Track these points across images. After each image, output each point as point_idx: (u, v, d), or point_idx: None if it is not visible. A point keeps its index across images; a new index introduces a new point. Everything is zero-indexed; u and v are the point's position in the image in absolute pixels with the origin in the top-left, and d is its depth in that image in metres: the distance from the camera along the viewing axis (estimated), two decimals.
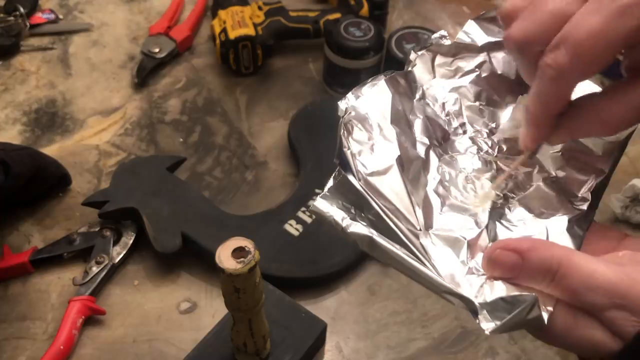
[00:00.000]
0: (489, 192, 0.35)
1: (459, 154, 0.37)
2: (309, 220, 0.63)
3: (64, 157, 0.69)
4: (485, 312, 0.29)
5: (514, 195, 0.35)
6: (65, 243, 0.62)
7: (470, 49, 0.38)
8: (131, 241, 0.62)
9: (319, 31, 0.80)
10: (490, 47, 0.38)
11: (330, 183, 0.34)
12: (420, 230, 0.32)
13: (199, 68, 0.82)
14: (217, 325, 0.54)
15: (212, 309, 0.59)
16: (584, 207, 0.33)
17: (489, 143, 0.37)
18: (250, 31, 0.77)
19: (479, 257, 0.32)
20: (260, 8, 0.81)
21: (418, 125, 0.36)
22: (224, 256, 0.40)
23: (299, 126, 0.71)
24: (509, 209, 0.35)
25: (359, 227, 0.32)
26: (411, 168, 0.34)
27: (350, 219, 0.32)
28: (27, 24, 0.84)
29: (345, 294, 0.61)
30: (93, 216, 0.63)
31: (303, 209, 0.63)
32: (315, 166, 0.67)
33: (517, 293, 0.29)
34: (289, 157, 0.72)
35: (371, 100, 0.35)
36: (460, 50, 0.38)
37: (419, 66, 0.38)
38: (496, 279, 0.30)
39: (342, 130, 0.35)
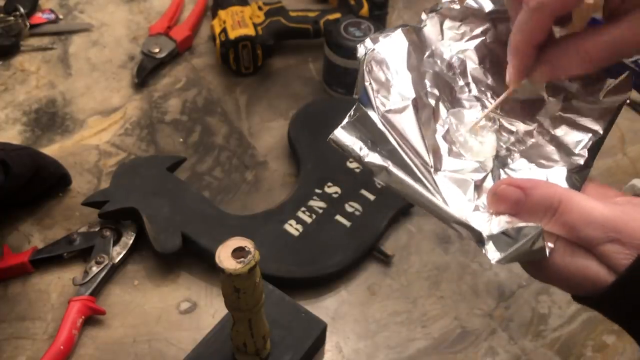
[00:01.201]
0: (477, 125, 0.38)
1: (464, 108, 0.39)
2: (309, 220, 0.63)
3: (64, 157, 0.69)
4: (491, 243, 0.31)
5: (516, 149, 0.37)
6: (65, 243, 0.62)
7: (477, 15, 0.40)
8: (131, 241, 0.62)
9: (319, 31, 0.81)
10: (496, 15, 0.40)
11: (348, 118, 0.36)
12: (431, 167, 0.34)
13: (199, 68, 0.82)
14: (217, 325, 0.54)
15: (212, 309, 0.59)
16: (581, 162, 0.36)
17: (493, 102, 0.39)
18: (250, 31, 0.77)
19: (485, 197, 0.34)
20: (260, 8, 0.81)
21: (428, 77, 0.38)
22: (224, 256, 0.40)
23: (299, 126, 0.71)
24: (511, 159, 0.37)
25: (375, 158, 0.34)
26: (423, 114, 0.36)
27: (368, 149, 0.34)
28: (27, 24, 0.84)
29: (345, 294, 0.61)
30: (93, 216, 0.63)
31: (303, 209, 0.63)
32: (315, 166, 0.67)
33: (523, 224, 0.31)
34: (289, 157, 0.72)
35: (389, 46, 0.37)
36: (468, 15, 0.40)
37: (429, 27, 0.40)
38: (500, 214, 0.32)
39: (365, 66, 0.36)
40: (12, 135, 0.73)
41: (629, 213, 0.31)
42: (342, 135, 0.35)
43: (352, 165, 0.68)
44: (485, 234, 0.32)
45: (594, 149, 0.37)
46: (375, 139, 0.35)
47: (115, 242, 0.62)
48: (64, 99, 0.77)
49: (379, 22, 0.79)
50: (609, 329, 0.59)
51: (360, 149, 0.35)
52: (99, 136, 0.73)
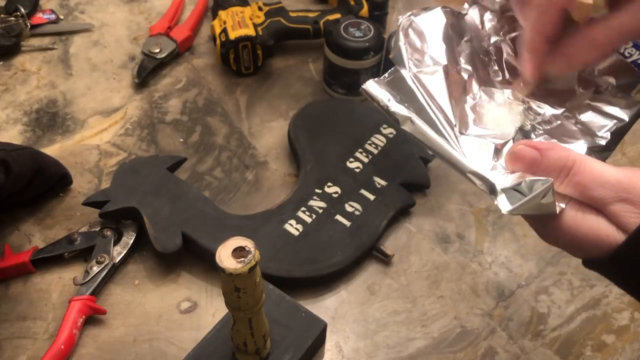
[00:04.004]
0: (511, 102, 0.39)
1: (495, 88, 0.40)
2: (309, 220, 0.63)
3: (64, 157, 0.69)
4: (503, 195, 0.33)
5: (541, 128, 0.39)
6: (66, 243, 0.62)
7: (508, 16, 0.42)
8: (132, 241, 0.62)
9: (319, 31, 0.81)
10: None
11: (380, 77, 0.38)
12: (455, 126, 0.36)
13: (200, 68, 0.82)
14: (218, 324, 0.54)
15: (212, 309, 0.59)
16: (603, 142, 0.37)
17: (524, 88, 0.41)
18: (250, 31, 0.77)
19: (503, 160, 0.35)
20: (260, 8, 0.82)
21: (463, 56, 0.40)
22: (224, 256, 0.41)
23: (299, 126, 0.71)
24: (535, 135, 0.39)
25: (401, 109, 0.36)
26: (453, 83, 0.38)
27: (396, 102, 0.36)
28: (28, 24, 0.84)
29: (345, 294, 0.61)
30: (94, 216, 0.63)
31: (303, 208, 0.64)
32: (315, 166, 0.67)
33: (534, 178, 0.32)
34: (289, 157, 0.72)
35: (428, 20, 0.40)
36: (508, 9, 0.42)
37: (470, 16, 0.42)
38: (516, 172, 0.34)
39: (402, 30, 0.39)
40: (13, 135, 0.73)
41: (639, 175, 0.32)
42: (373, 86, 0.36)
43: (352, 165, 0.68)
44: (498, 186, 0.33)
45: (618, 133, 0.37)
46: (404, 97, 0.36)
47: (116, 242, 0.62)
48: (65, 99, 0.78)
49: (379, 22, 0.79)
50: (609, 328, 0.59)
51: (389, 100, 0.36)
52: (100, 136, 0.73)
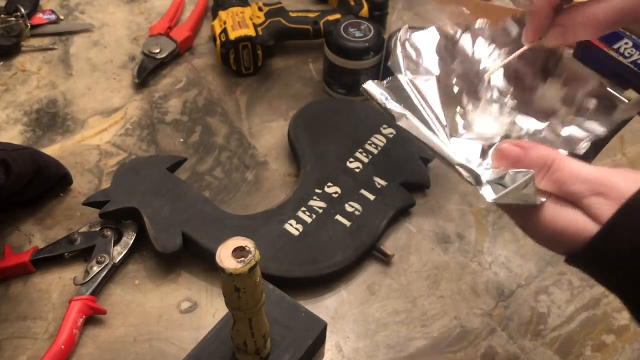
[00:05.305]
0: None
1: (484, 102, 0.43)
2: (309, 220, 0.63)
3: (64, 157, 0.69)
4: (488, 185, 0.36)
5: (527, 138, 0.41)
6: (66, 243, 0.62)
7: (506, 37, 0.45)
8: (132, 241, 0.62)
9: (319, 32, 0.81)
10: (519, 41, 0.44)
11: (379, 81, 0.41)
12: (446, 127, 0.39)
13: (200, 68, 0.82)
14: (218, 324, 0.54)
15: (212, 309, 0.59)
16: (581, 152, 0.39)
17: (512, 105, 0.44)
18: (250, 32, 0.77)
19: (489, 159, 0.38)
20: (260, 9, 0.82)
21: (456, 74, 0.43)
22: (225, 256, 0.41)
23: (299, 126, 0.71)
24: None
25: (396, 107, 0.39)
26: (445, 92, 0.41)
27: (392, 100, 0.39)
28: (28, 24, 0.84)
29: (345, 294, 0.61)
30: (94, 216, 0.63)
31: (303, 208, 0.64)
32: (315, 166, 0.68)
33: (516, 170, 0.35)
34: (289, 157, 0.72)
35: (423, 37, 0.44)
36: (498, 37, 0.45)
37: (463, 41, 0.45)
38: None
39: (399, 42, 0.42)
40: (13, 135, 0.73)
41: (615, 173, 0.35)
42: (372, 86, 0.40)
43: (352, 165, 0.68)
44: (483, 177, 0.36)
45: (597, 145, 0.40)
46: (400, 98, 0.39)
47: (116, 242, 0.62)
48: (65, 99, 0.78)
49: (379, 22, 0.79)
50: (608, 328, 0.59)
51: (386, 98, 0.39)
52: (100, 136, 0.73)
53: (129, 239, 0.62)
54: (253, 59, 0.79)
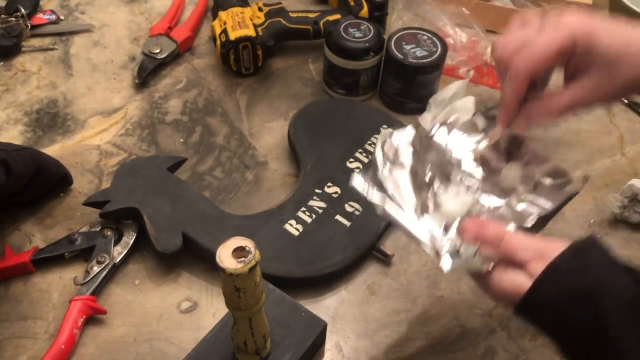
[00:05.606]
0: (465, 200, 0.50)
1: (453, 186, 0.50)
2: (309, 220, 0.63)
3: (65, 157, 0.69)
4: (446, 255, 0.43)
5: (486, 214, 0.49)
6: (67, 243, 0.62)
7: (474, 129, 0.53)
8: (132, 241, 0.62)
9: (319, 32, 0.81)
10: (488, 129, 0.53)
11: (364, 175, 0.49)
12: (417, 210, 0.47)
13: (200, 69, 0.82)
14: (218, 324, 0.54)
15: (212, 309, 0.59)
16: (529, 225, 0.47)
17: (477, 185, 0.51)
18: (250, 32, 0.77)
19: (450, 234, 0.46)
20: (260, 9, 0.82)
21: (430, 162, 0.51)
22: (225, 256, 0.41)
23: (299, 126, 0.71)
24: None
25: (376, 197, 0.47)
26: (418, 179, 0.49)
27: (373, 191, 0.47)
28: (28, 24, 0.84)
29: (345, 294, 0.61)
30: (94, 216, 0.63)
31: (303, 209, 0.64)
32: (315, 166, 0.68)
33: (467, 245, 0.43)
34: (289, 157, 0.72)
35: (401, 136, 0.52)
36: (468, 129, 0.53)
37: (438, 135, 0.53)
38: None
39: (380, 141, 0.50)
40: (14, 135, 0.73)
41: (555, 242, 0.41)
42: (357, 180, 0.48)
43: (352, 165, 0.68)
44: (442, 251, 0.44)
45: (544, 218, 0.48)
46: (379, 188, 0.48)
47: (116, 242, 0.62)
48: (65, 99, 0.78)
49: (379, 23, 0.79)
50: None
51: (367, 190, 0.48)
52: (100, 136, 0.74)
53: (129, 239, 0.62)
54: (253, 59, 0.79)
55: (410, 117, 0.77)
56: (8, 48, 0.82)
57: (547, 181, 0.50)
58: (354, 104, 0.76)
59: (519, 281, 0.40)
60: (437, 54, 0.74)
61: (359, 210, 0.64)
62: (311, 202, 0.64)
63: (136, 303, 0.60)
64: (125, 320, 0.58)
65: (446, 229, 0.46)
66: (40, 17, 0.86)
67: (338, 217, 0.63)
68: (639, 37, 0.44)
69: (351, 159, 0.68)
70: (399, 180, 0.47)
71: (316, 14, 0.82)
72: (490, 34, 0.85)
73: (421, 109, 0.77)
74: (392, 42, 0.74)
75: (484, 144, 0.52)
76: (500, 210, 0.48)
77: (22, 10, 0.84)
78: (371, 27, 0.75)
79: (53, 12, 0.87)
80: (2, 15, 0.84)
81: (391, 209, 0.46)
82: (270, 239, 0.61)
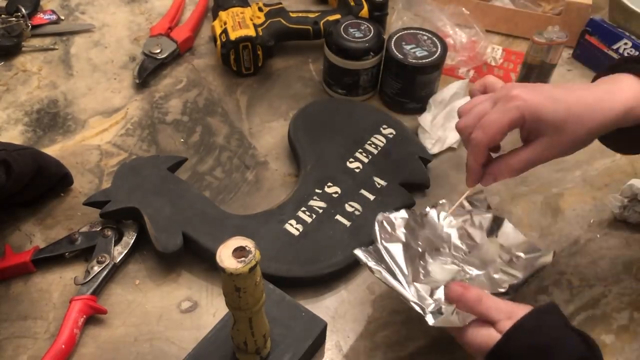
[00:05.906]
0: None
1: (442, 258, 0.60)
2: (309, 220, 0.63)
3: (65, 157, 0.70)
4: (430, 314, 0.51)
5: (468, 280, 0.58)
6: (67, 242, 0.62)
7: (462, 211, 0.62)
8: (132, 241, 0.62)
9: (319, 32, 0.81)
10: (473, 210, 0.62)
11: (365, 248, 0.56)
12: (408, 276, 0.55)
13: (200, 69, 0.82)
14: (218, 324, 0.54)
15: (212, 308, 0.59)
16: (502, 290, 0.55)
17: (462, 257, 0.60)
18: (250, 32, 0.77)
19: (435, 296, 0.54)
20: (260, 9, 0.82)
21: (421, 239, 0.59)
22: (225, 256, 0.41)
23: (299, 126, 0.72)
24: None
25: (375, 264, 0.54)
26: (410, 253, 0.57)
27: (372, 261, 0.55)
28: (29, 24, 0.84)
29: (345, 293, 0.61)
30: (94, 216, 0.63)
31: (303, 208, 0.64)
32: (315, 166, 0.68)
33: (448, 305, 0.51)
34: (289, 157, 0.72)
35: (397, 215, 0.59)
36: (456, 210, 0.61)
37: (430, 215, 0.61)
38: (446, 302, 0.51)
39: (377, 221, 0.57)
40: (14, 135, 0.73)
41: (521, 307, 0.48)
42: (359, 252, 0.55)
43: (352, 165, 0.68)
44: (427, 310, 0.52)
45: (514, 287, 0.56)
46: (378, 258, 0.55)
47: (117, 242, 0.62)
48: (66, 99, 0.78)
49: (379, 23, 0.79)
50: (608, 328, 0.59)
51: (368, 260, 0.54)
52: (101, 136, 0.74)
53: (129, 238, 0.62)
54: (253, 59, 0.79)
55: (410, 117, 0.77)
56: (8, 48, 0.82)
57: (522, 255, 0.59)
58: (354, 104, 0.76)
59: (490, 335, 0.47)
60: (437, 54, 0.74)
61: (359, 210, 0.64)
62: (311, 202, 0.64)
63: (136, 303, 0.60)
64: (125, 320, 0.58)
65: (432, 292, 0.55)
66: (41, 17, 0.86)
67: (338, 217, 0.63)
68: (576, 100, 0.51)
69: (351, 159, 0.68)
70: (393, 252, 0.55)
71: (316, 14, 0.82)
72: (490, 34, 0.85)
73: (421, 109, 0.78)
74: (392, 42, 0.74)
75: (468, 220, 0.61)
76: (480, 278, 0.58)
77: (23, 10, 0.84)
78: (371, 27, 0.75)
79: (53, 12, 0.87)
80: (3, 15, 0.84)
81: (387, 277, 0.53)
82: (270, 238, 0.61)
